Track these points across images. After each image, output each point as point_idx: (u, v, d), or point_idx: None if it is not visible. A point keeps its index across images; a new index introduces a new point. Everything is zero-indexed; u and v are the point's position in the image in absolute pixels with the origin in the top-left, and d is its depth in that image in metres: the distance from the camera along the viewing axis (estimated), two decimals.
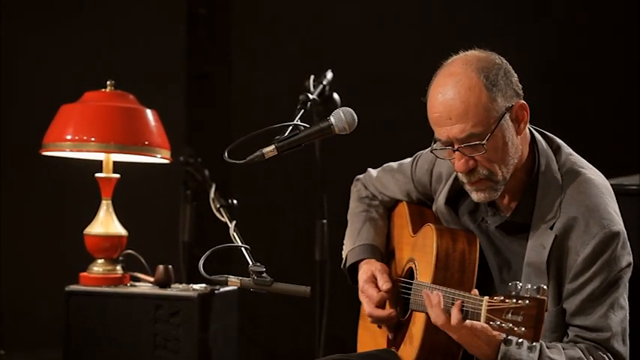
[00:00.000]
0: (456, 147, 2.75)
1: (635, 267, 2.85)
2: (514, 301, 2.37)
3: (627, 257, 2.77)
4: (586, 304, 2.73)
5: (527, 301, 2.35)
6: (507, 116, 2.75)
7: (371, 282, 3.13)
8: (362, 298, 3.15)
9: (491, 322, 2.43)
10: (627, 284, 2.79)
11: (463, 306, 2.60)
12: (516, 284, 2.39)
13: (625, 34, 5.45)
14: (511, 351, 2.59)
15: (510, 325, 2.37)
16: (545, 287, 2.35)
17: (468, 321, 2.59)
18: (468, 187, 2.84)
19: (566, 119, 5.29)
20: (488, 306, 2.45)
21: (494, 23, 5.44)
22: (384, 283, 3.09)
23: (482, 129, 2.70)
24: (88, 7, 5.75)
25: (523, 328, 2.34)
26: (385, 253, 3.32)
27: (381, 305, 3.09)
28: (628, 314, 2.79)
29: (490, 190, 2.79)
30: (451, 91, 2.73)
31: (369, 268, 3.18)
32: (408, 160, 3.32)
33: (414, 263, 3.07)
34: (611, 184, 2.88)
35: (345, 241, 3.39)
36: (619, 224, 2.76)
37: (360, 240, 3.29)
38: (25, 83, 5.68)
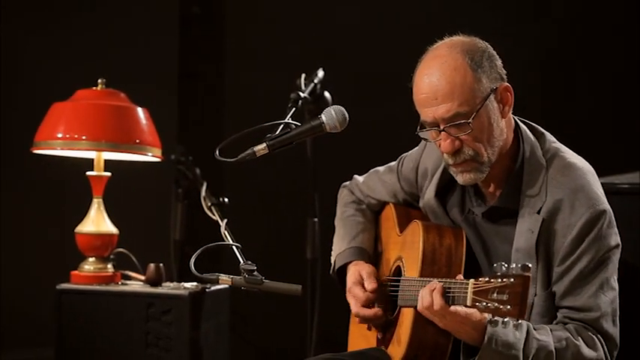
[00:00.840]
0: (442, 127, 2.78)
1: (628, 264, 2.86)
2: (499, 280, 2.38)
3: (615, 237, 2.79)
4: (575, 284, 2.75)
5: (512, 279, 2.35)
6: (492, 97, 2.78)
7: (358, 283, 3.15)
8: (349, 298, 3.18)
9: (477, 304, 2.44)
10: (617, 265, 2.80)
11: (449, 292, 2.61)
12: (502, 264, 2.41)
13: (625, 34, 5.46)
14: (498, 332, 2.60)
15: (496, 304, 2.37)
16: (529, 265, 2.36)
17: (452, 307, 2.60)
18: (453, 170, 2.86)
19: (564, 119, 5.31)
20: (474, 288, 2.46)
21: (494, 23, 5.45)
22: (370, 284, 3.11)
23: (467, 108, 2.74)
24: (82, 6, 5.74)
25: (508, 306, 2.35)
26: (373, 256, 3.33)
27: (367, 305, 3.11)
28: (618, 296, 2.80)
29: (476, 171, 2.81)
30: (437, 72, 2.77)
31: (356, 270, 3.20)
32: (393, 162, 3.35)
33: (402, 261, 3.09)
34: (603, 183, 2.89)
35: (333, 247, 3.40)
36: (604, 203, 2.78)
37: (348, 244, 3.31)
38: (21, 83, 5.68)
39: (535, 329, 2.68)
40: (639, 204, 3.64)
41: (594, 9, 5.48)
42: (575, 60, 5.55)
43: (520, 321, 2.36)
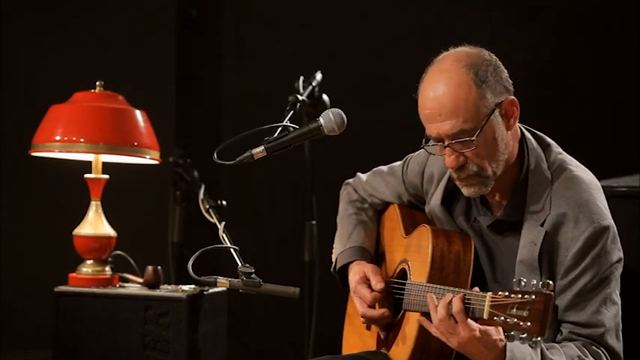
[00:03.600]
0: (446, 143, 2.77)
1: (626, 267, 2.86)
2: (519, 296, 2.38)
3: (618, 252, 2.79)
4: (578, 300, 2.75)
5: (534, 296, 2.35)
6: (497, 112, 2.77)
7: (363, 282, 3.14)
8: (354, 298, 3.16)
9: (495, 318, 2.43)
10: (619, 280, 2.80)
11: (465, 302, 2.59)
12: (520, 280, 2.41)
13: (624, 36, 5.46)
14: (516, 356, 2.59)
15: (515, 320, 2.37)
16: (551, 282, 2.36)
17: (469, 320, 2.58)
18: (458, 183, 2.86)
19: (563, 121, 5.31)
20: (492, 301, 2.46)
21: (493, 25, 5.44)
22: (377, 283, 3.09)
23: (471, 125, 2.73)
24: (81, 9, 5.73)
25: (529, 323, 2.34)
26: (375, 256, 3.32)
27: (373, 305, 3.10)
28: (620, 309, 2.80)
29: (480, 185, 2.81)
30: (441, 87, 2.76)
31: (360, 269, 3.18)
32: (399, 162, 3.33)
33: (408, 264, 3.07)
34: (601, 186, 2.89)
35: (334, 245, 3.39)
36: (608, 218, 2.77)
37: (350, 242, 3.30)
38: (19, 85, 5.67)
39: (547, 348, 2.67)
40: (638, 207, 3.65)
41: (594, 10, 5.47)
42: (574, 62, 5.54)
43: (539, 338, 2.35)
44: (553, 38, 5.53)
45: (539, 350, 2.63)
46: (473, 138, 2.73)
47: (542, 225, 2.79)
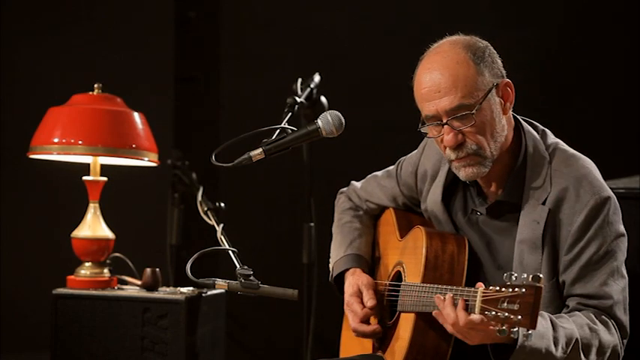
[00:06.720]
0: (445, 120, 2.78)
1: (628, 264, 2.86)
2: (510, 290, 2.37)
3: (621, 226, 2.81)
4: (585, 272, 2.76)
5: (524, 289, 2.35)
6: (494, 92, 2.80)
7: (356, 296, 3.14)
8: (347, 312, 3.17)
9: (486, 312, 2.43)
10: (625, 254, 2.81)
11: (456, 300, 2.58)
12: (511, 274, 2.40)
13: (624, 37, 5.47)
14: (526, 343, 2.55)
15: (506, 314, 2.36)
16: (541, 275, 2.35)
17: (473, 315, 2.55)
18: (455, 165, 2.85)
19: (562, 122, 5.30)
20: (483, 296, 2.45)
21: (493, 26, 5.43)
22: (369, 300, 3.10)
23: (471, 100, 2.75)
24: (79, 11, 5.74)
25: (519, 316, 2.33)
26: (372, 262, 3.32)
27: (365, 320, 3.10)
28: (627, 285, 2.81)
29: (479, 165, 2.82)
30: (439, 66, 2.79)
31: (355, 282, 3.18)
32: (392, 167, 3.34)
33: (402, 266, 3.07)
34: None
35: (331, 254, 3.39)
36: (608, 190, 2.80)
37: (346, 250, 3.30)
38: (18, 87, 5.68)
39: (556, 318, 2.66)
40: (636, 209, 3.64)
41: (594, 11, 5.48)
42: (574, 62, 5.54)
43: (530, 331, 2.35)
44: (553, 38, 5.53)
45: (547, 317, 2.61)
46: (473, 112, 2.74)
47: (543, 203, 2.80)
